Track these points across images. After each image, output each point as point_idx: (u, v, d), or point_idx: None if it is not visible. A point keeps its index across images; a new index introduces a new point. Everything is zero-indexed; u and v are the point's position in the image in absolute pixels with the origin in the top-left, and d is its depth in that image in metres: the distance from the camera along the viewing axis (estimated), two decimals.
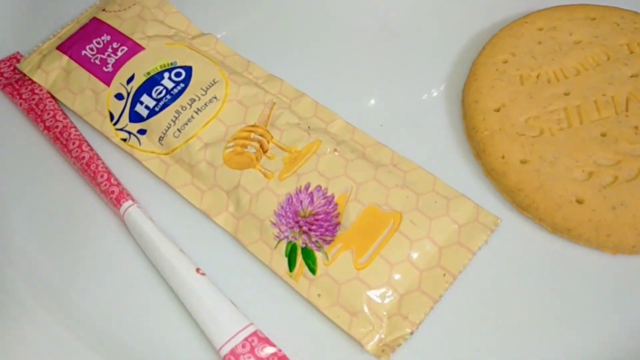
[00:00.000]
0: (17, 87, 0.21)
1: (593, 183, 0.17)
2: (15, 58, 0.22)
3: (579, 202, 0.17)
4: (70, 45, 0.21)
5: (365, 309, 0.16)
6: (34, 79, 0.21)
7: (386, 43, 0.21)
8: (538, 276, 0.17)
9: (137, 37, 0.20)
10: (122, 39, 0.20)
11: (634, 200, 0.17)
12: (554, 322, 0.16)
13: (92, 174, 0.18)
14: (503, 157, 0.18)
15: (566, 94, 0.19)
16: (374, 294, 0.16)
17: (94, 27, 0.21)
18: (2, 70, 0.21)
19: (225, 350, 0.16)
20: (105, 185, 0.18)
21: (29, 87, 0.21)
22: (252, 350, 0.16)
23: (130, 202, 0.18)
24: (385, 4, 0.22)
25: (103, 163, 0.19)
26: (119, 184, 0.18)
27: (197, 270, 0.17)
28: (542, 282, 0.17)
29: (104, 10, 0.22)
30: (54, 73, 0.21)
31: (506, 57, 0.20)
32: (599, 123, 0.18)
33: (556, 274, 0.17)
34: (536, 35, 0.20)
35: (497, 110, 0.19)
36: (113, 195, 0.18)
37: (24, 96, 0.20)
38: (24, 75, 0.21)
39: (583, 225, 0.17)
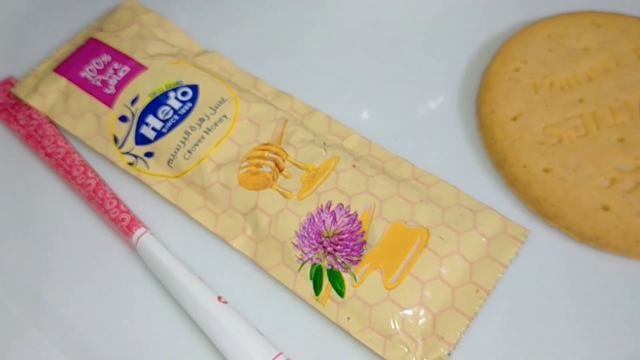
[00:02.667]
0: (13, 112, 0.20)
1: (616, 189, 0.17)
2: (9, 82, 0.21)
3: (605, 209, 0.17)
4: (68, 67, 0.20)
5: (399, 330, 0.15)
6: (31, 103, 0.20)
7: (395, 54, 0.21)
8: (570, 286, 0.16)
9: (138, 57, 0.20)
10: (123, 58, 0.20)
11: None
12: (588, 331, 0.16)
13: (100, 201, 0.18)
14: (525, 167, 0.18)
15: (581, 101, 0.19)
16: (407, 315, 0.15)
17: (92, 48, 0.20)
18: None
19: None
20: (115, 212, 0.17)
21: (26, 113, 0.20)
22: None
23: (142, 229, 0.17)
24: (392, 16, 0.21)
25: (110, 189, 0.18)
26: (129, 211, 0.17)
27: (219, 298, 0.16)
28: (574, 291, 0.16)
29: (101, 30, 0.21)
30: (52, 97, 0.20)
31: (518, 65, 0.20)
32: (616, 128, 0.18)
33: (587, 283, 0.16)
34: (545, 42, 0.20)
35: (515, 119, 0.19)
36: (124, 223, 0.17)
37: (21, 122, 0.19)
38: (20, 100, 0.20)
39: (611, 232, 0.17)
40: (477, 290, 0.16)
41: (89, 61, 0.20)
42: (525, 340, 0.16)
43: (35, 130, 0.19)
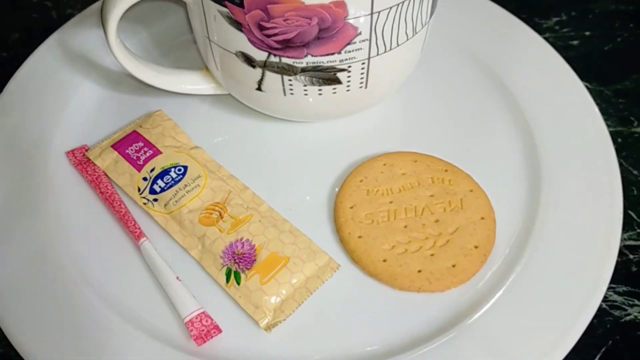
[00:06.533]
0: (85, 166, 0.36)
1: (393, 252, 0.33)
2: (84, 148, 0.37)
3: (384, 261, 0.32)
4: (119, 146, 0.36)
5: (263, 305, 0.31)
6: (96, 163, 0.36)
7: (298, 168, 0.37)
8: (358, 298, 0.32)
9: (159, 146, 0.36)
10: (150, 146, 0.36)
11: (412, 263, 0.32)
12: (362, 324, 0.31)
13: (125, 221, 0.33)
14: (349, 234, 0.33)
15: (390, 202, 0.34)
16: (268, 298, 0.31)
17: (134, 137, 0.36)
18: (76, 155, 0.37)
19: (187, 319, 0.30)
20: (132, 228, 0.33)
21: (93, 168, 0.36)
22: (200, 321, 0.30)
23: (144, 238, 0.33)
24: (304, 140, 0.38)
25: (132, 215, 0.34)
26: (139, 228, 0.33)
27: (177, 278, 0.32)
28: (359, 302, 0.32)
29: (140, 126, 0.37)
30: (107, 161, 0.36)
31: (361, 178, 0.35)
32: (404, 220, 0.34)
33: (367, 299, 0.32)
34: (381, 167, 0.36)
35: (351, 207, 0.34)
36: (136, 234, 0.33)
37: (89, 172, 0.36)
38: (90, 160, 0.36)
39: (385, 274, 0.32)
40: (306, 291, 0.31)
41: (131, 144, 0.36)
42: (324, 320, 0.31)
43: (96, 179, 0.35)
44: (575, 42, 0.47)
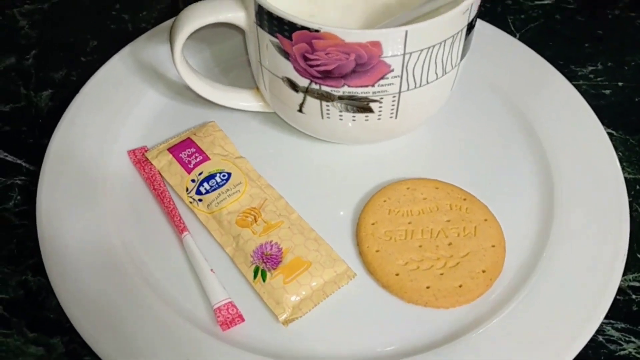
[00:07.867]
0: (143, 165, 0.41)
1: (406, 267, 0.36)
2: (144, 149, 0.42)
3: (397, 275, 0.36)
4: (174, 150, 0.41)
5: (283, 302, 0.34)
6: (153, 163, 0.41)
7: (329, 184, 0.40)
8: (368, 306, 0.35)
9: (209, 153, 0.40)
10: (201, 152, 0.41)
11: (422, 279, 0.35)
12: (370, 329, 0.34)
13: (172, 215, 0.38)
14: (368, 247, 0.37)
15: (409, 223, 0.38)
16: (288, 297, 0.35)
17: (188, 143, 0.41)
18: (137, 155, 0.42)
19: (215, 307, 0.34)
20: (178, 222, 0.38)
21: (150, 166, 0.41)
22: (227, 309, 0.34)
23: (187, 233, 0.37)
24: (328, 164, 0.41)
25: (178, 211, 0.38)
26: (184, 223, 0.38)
27: (211, 270, 0.36)
28: (369, 309, 0.35)
29: (194, 134, 0.42)
30: (163, 162, 0.41)
31: (385, 199, 0.39)
32: (420, 241, 0.37)
33: (377, 307, 0.35)
34: (404, 191, 0.39)
35: (373, 224, 0.38)
36: (180, 227, 0.37)
37: (146, 171, 0.40)
38: (148, 160, 0.41)
39: (396, 286, 0.35)
40: (323, 294, 0.35)
41: (185, 149, 0.41)
42: (335, 321, 0.34)
43: (151, 176, 0.40)
44: (607, 92, 0.49)
